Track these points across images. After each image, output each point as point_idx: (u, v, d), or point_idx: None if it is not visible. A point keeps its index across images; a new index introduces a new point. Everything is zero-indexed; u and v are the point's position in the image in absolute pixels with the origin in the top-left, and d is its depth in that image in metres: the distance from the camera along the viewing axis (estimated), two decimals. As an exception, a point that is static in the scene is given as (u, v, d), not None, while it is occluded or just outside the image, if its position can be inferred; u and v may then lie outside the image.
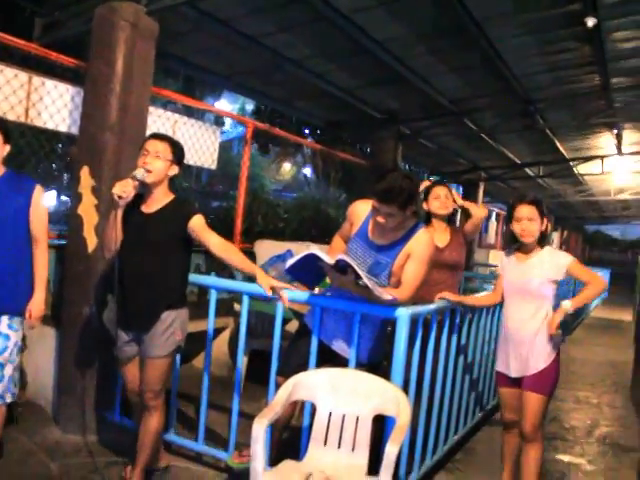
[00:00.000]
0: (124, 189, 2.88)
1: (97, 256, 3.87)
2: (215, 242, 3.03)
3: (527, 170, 12.52)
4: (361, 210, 3.26)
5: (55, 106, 4.64)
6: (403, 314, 3.01)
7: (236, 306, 5.26)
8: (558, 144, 10.14)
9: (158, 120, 5.51)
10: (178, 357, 3.71)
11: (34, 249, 3.18)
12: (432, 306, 3.45)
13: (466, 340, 4.14)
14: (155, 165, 3.02)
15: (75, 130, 4.71)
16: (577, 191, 16.22)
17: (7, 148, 3.07)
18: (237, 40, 5.58)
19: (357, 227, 3.25)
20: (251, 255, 6.35)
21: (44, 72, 4.59)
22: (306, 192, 9.52)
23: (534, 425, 3.26)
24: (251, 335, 3.77)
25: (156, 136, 3.17)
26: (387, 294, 2.93)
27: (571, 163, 11.74)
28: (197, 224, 3.04)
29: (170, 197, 3.14)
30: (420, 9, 5.05)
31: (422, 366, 3.45)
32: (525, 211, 3.32)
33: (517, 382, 3.38)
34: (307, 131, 11.23)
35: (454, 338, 3.87)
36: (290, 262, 2.94)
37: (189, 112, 6.57)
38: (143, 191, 3.12)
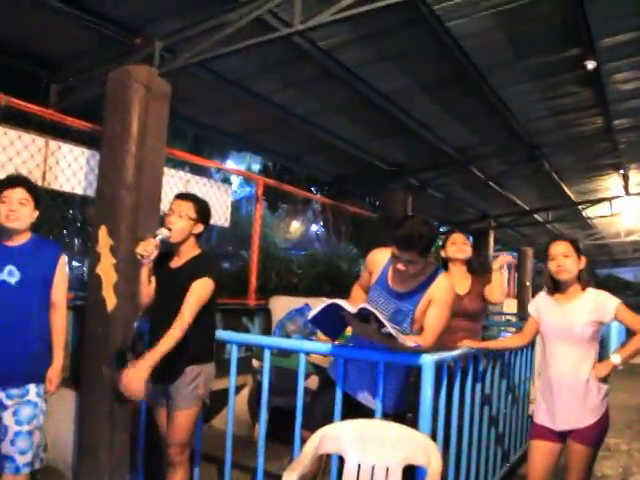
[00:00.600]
0: (146, 248, 2.99)
1: (116, 315, 3.88)
2: (182, 310, 3.01)
3: (536, 216, 12.54)
4: (379, 259, 3.25)
5: (71, 169, 4.73)
6: (428, 361, 2.95)
7: (255, 363, 5.21)
8: (565, 188, 10.19)
9: (171, 180, 5.58)
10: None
11: (53, 314, 3.17)
12: (456, 352, 3.39)
13: (490, 389, 4.06)
14: (178, 225, 3.11)
15: (90, 192, 4.78)
16: (587, 235, 16.19)
17: (36, 214, 3.10)
18: (247, 99, 5.72)
19: (376, 276, 3.24)
20: (267, 312, 6.34)
21: (60, 136, 4.69)
22: (317, 248, 9.53)
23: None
24: (271, 392, 3.73)
25: (181, 196, 3.27)
26: (410, 341, 2.89)
27: (580, 207, 11.76)
28: (194, 286, 3.05)
29: (196, 252, 3.21)
30: (423, 60, 5.17)
31: (448, 416, 3.37)
32: (560, 247, 3.22)
33: (559, 436, 3.17)
34: (314, 189, 11.35)
35: (478, 387, 3.79)
36: (312, 313, 2.92)
37: (198, 172, 6.64)
38: (171, 248, 3.22)
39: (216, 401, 3.89)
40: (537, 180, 9.67)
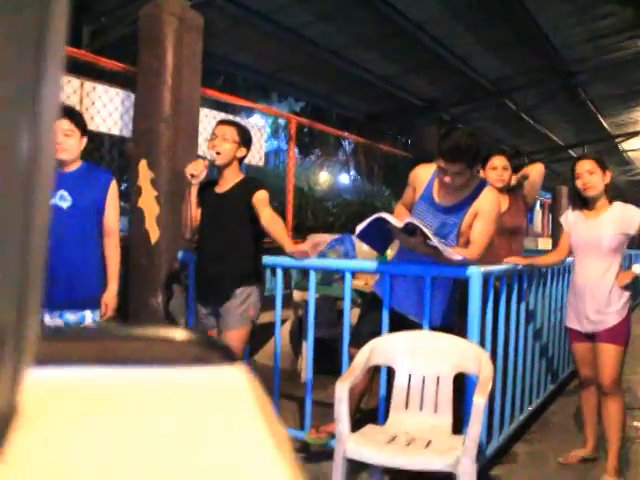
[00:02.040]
0: (196, 167, 3.05)
1: (160, 247, 3.94)
2: (266, 215, 3.10)
3: (571, 152, 12.31)
4: (424, 174, 3.24)
5: (106, 110, 4.75)
6: (475, 272, 2.97)
7: (296, 296, 5.27)
8: (602, 120, 9.96)
9: (205, 119, 5.59)
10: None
11: (107, 241, 3.17)
12: (503, 266, 3.40)
13: (534, 306, 4.07)
14: (223, 147, 3.14)
15: (127, 133, 4.81)
16: (623, 171, 15.87)
17: (84, 141, 3.10)
18: (277, 33, 5.65)
19: (421, 191, 3.23)
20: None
21: (94, 77, 4.70)
22: (347, 197, 9.49)
23: (612, 378, 3.21)
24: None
25: (223, 121, 3.33)
26: (457, 254, 2.89)
27: (616, 140, 11.51)
28: (259, 197, 3.12)
29: (240, 177, 3.25)
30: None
31: (495, 330, 3.40)
32: (585, 165, 3.30)
33: (590, 337, 3.34)
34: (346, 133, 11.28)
35: (523, 305, 3.80)
36: (360, 227, 2.94)
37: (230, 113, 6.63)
38: (215, 177, 3.27)
39: (259, 337, 3.97)
40: (572, 112, 9.46)
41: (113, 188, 3.17)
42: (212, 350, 0.44)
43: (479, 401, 2.44)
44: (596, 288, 3.29)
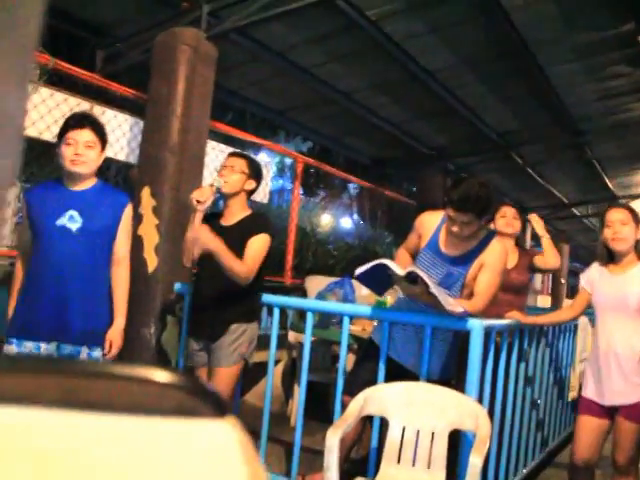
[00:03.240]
0: (202, 193, 2.95)
1: (157, 277, 3.86)
2: (245, 256, 2.98)
3: (574, 210, 12.30)
4: (430, 221, 3.17)
5: (114, 135, 4.72)
6: (477, 326, 2.87)
7: (291, 337, 5.16)
8: (607, 180, 9.96)
9: (212, 152, 5.57)
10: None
11: (115, 270, 2.89)
12: (505, 321, 3.30)
13: (534, 366, 3.95)
14: (231, 177, 3.08)
15: (132, 159, 4.78)
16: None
17: (103, 157, 2.83)
18: (290, 71, 5.67)
19: (427, 239, 3.15)
20: (302, 291, 6.30)
21: (104, 102, 4.70)
22: (349, 240, 9.45)
23: (630, 458, 2.94)
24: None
25: (235, 154, 3.28)
26: (459, 306, 2.81)
27: (620, 201, 11.49)
28: (253, 242, 3.02)
29: (247, 212, 3.17)
30: (471, 35, 5.06)
31: (494, 387, 3.28)
32: (617, 215, 3.04)
33: (607, 412, 3.03)
34: (352, 176, 11.25)
35: (522, 365, 3.69)
36: (360, 269, 2.86)
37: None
38: (221, 209, 3.22)
39: (249, 376, 3.85)
40: (578, 170, 9.46)
41: (128, 212, 2.91)
42: (200, 398, 0.34)
43: (475, 461, 2.33)
44: (623, 354, 2.97)
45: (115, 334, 2.88)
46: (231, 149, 5.90)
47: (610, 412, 3.02)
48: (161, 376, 0.34)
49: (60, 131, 2.75)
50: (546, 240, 4.02)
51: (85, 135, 2.69)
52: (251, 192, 3.20)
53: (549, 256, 4.00)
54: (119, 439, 0.33)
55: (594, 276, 3.21)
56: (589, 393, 3.12)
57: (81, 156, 2.68)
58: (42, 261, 2.70)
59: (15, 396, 0.31)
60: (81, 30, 5.01)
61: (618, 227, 3.02)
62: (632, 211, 3.10)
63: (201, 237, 2.88)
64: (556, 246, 3.85)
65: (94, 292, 2.80)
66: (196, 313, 3.22)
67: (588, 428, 3.08)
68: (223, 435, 0.33)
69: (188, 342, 3.24)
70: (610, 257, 3.14)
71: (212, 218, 3.16)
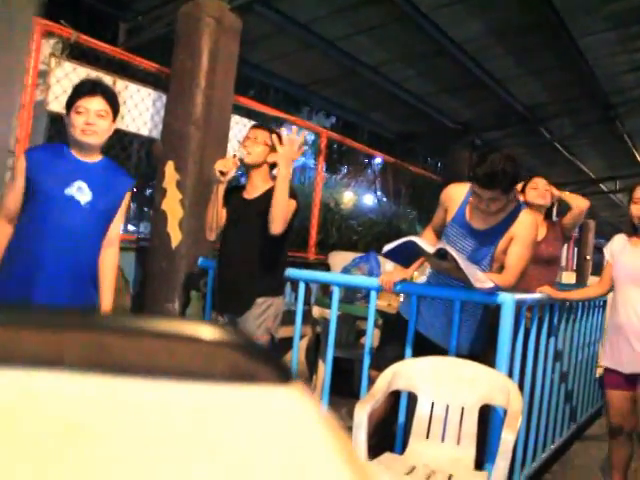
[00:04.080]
0: (225, 164, 2.92)
1: (181, 252, 3.84)
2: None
3: (602, 186, 12.07)
4: (456, 194, 3.08)
5: (137, 110, 4.68)
6: (508, 300, 2.81)
7: (315, 312, 5.13)
8: (637, 155, 9.73)
9: (235, 126, 5.51)
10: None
11: (107, 251, 2.68)
12: (536, 296, 3.24)
13: (563, 341, 3.89)
14: (254, 149, 3.04)
15: (156, 134, 4.74)
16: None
17: (113, 128, 2.65)
18: (315, 44, 5.57)
19: (453, 212, 3.07)
20: (326, 267, 6.26)
21: (127, 76, 4.64)
22: (373, 216, 9.34)
23: None
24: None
25: (257, 125, 3.23)
26: (489, 281, 2.74)
27: (650, 176, 11.26)
28: None
29: (270, 184, 3.09)
30: (500, 4, 4.92)
31: (524, 362, 3.23)
32: None
33: (629, 382, 3.08)
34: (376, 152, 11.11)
35: (552, 340, 3.63)
36: (388, 246, 2.82)
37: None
38: (244, 182, 3.17)
39: (274, 351, 3.83)
40: (607, 145, 9.25)
41: (128, 195, 2.75)
42: (259, 360, 0.29)
43: (508, 437, 2.28)
44: (638, 324, 3.04)
45: None
46: (254, 122, 5.85)
47: (632, 380, 3.08)
48: (211, 333, 0.29)
49: (70, 98, 2.56)
50: (567, 194, 3.99)
51: (96, 103, 2.51)
52: (274, 165, 3.12)
53: (576, 199, 3.95)
54: (161, 410, 0.28)
55: (616, 247, 3.26)
56: (608, 362, 3.22)
57: (92, 125, 2.50)
58: (41, 232, 2.47)
59: (32, 357, 0.26)
60: (104, 4, 4.95)
61: None
62: None
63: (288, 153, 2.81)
64: (582, 223, 3.77)
65: (90, 271, 2.63)
66: (220, 287, 3.18)
67: (615, 401, 3.18)
68: (290, 403, 0.27)
69: (213, 316, 3.23)
70: (635, 230, 3.18)
71: (235, 191, 3.14)
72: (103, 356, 0.27)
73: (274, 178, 3.14)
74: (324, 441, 0.26)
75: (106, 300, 2.68)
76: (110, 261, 2.70)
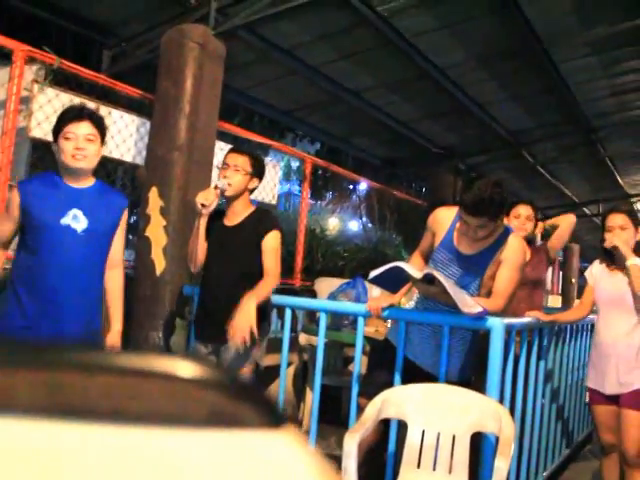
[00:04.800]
0: (207, 197, 2.88)
1: (165, 279, 3.79)
2: (268, 268, 2.95)
3: (585, 209, 12.16)
4: (444, 218, 3.05)
5: (121, 136, 4.64)
6: (497, 324, 2.77)
7: (302, 339, 5.06)
8: (619, 178, 9.84)
9: (220, 152, 5.47)
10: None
11: (111, 274, 2.72)
12: (525, 320, 3.21)
13: (552, 364, 3.86)
14: (234, 179, 2.98)
15: (139, 161, 4.70)
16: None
17: (102, 152, 2.64)
18: (299, 70, 5.58)
19: (441, 237, 3.04)
20: (312, 293, 6.21)
21: (110, 102, 4.61)
22: (358, 242, 9.32)
23: (638, 447, 2.98)
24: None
25: (236, 150, 3.14)
26: (478, 306, 2.70)
27: (632, 200, 11.36)
28: (268, 243, 2.97)
29: (251, 208, 3.09)
30: (484, 31, 4.97)
31: (514, 388, 3.18)
32: (617, 220, 3.18)
33: (613, 400, 3.16)
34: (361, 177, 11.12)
35: (542, 363, 3.60)
36: (375, 272, 2.78)
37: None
38: (223, 207, 3.11)
39: (260, 379, 3.75)
40: (590, 168, 9.35)
41: (125, 214, 2.77)
42: (242, 401, 0.24)
43: (501, 465, 2.23)
44: (621, 347, 3.13)
45: (117, 339, 2.72)
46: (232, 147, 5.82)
47: (613, 399, 3.16)
48: (187, 369, 0.24)
49: (56, 125, 2.56)
50: (551, 220, 4.06)
51: (84, 128, 2.51)
52: (254, 189, 3.12)
53: (561, 218, 4.00)
54: (125, 464, 0.23)
55: (596, 272, 3.37)
56: (592, 383, 3.31)
57: (82, 150, 2.50)
58: (40, 263, 2.49)
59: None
60: (87, 29, 4.93)
61: (618, 233, 3.16)
62: (631, 215, 3.25)
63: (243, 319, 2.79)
64: (566, 247, 3.80)
65: (92, 297, 2.64)
66: (204, 316, 3.11)
67: (601, 416, 3.28)
68: (280, 452, 0.23)
69: (197, 346, 3.14)
70: (611, 258, 3.27)
71: (216, 217, 3.07)
72: (59, 398, 0.23)
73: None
74: None
75: (116, 322, 2.72)
76: (116, 283, 2.74)
